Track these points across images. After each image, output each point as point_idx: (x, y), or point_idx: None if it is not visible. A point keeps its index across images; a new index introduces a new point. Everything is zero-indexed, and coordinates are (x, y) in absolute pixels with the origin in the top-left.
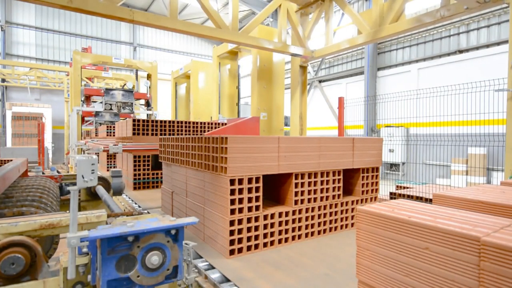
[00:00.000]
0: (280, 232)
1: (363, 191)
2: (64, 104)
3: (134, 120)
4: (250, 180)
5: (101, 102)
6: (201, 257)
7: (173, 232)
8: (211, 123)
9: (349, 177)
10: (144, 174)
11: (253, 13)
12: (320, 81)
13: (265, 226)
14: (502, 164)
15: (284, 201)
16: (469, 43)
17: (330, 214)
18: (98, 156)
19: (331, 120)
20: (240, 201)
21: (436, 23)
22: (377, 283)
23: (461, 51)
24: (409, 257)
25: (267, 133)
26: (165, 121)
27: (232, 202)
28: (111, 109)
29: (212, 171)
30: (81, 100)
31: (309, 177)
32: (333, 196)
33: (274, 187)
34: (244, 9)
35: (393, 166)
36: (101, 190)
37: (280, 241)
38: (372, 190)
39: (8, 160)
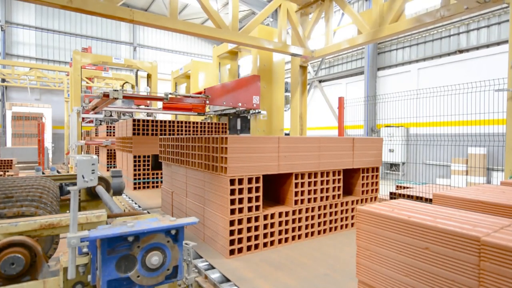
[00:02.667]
0: (280, 232)
1: (363, 191)
2: (64, 104)
3: (134, 120)
4: (250, 180)
5: None
6: (201, 257)
7: (173, 232)
8: (211, 123)
9: (349, 177)
10: (144, 174)
11: (253, 13)
12: (320, 81)
13: (265, 226)
14: (502, 164)
15: (284, 201)
16: (469, 43)
17: (330, 214)
18: (98, 156)
19: (331, 120)
20: (240, 201)
21: (436, 23)
22: (377, 283)
23: (461, 51)
24: (409, 257)
25: (267, 133)
26: (165, 121)
27: (232, 202)
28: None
29: (212, 171)
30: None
31: (309, 177)
32: (333, 196)
33: (274, 187)
34: (244, 9)
35: (393, 166)
36: (101, 190)
37: (280, 241)
38: (372, 190)
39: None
